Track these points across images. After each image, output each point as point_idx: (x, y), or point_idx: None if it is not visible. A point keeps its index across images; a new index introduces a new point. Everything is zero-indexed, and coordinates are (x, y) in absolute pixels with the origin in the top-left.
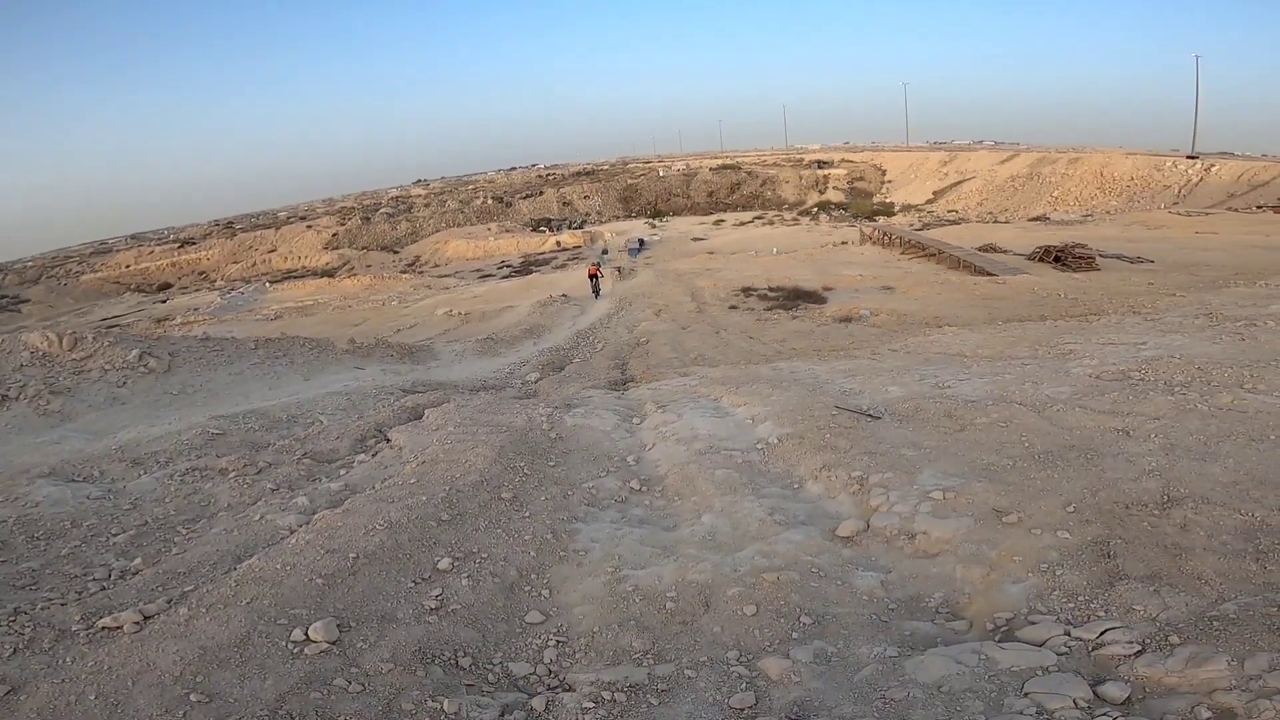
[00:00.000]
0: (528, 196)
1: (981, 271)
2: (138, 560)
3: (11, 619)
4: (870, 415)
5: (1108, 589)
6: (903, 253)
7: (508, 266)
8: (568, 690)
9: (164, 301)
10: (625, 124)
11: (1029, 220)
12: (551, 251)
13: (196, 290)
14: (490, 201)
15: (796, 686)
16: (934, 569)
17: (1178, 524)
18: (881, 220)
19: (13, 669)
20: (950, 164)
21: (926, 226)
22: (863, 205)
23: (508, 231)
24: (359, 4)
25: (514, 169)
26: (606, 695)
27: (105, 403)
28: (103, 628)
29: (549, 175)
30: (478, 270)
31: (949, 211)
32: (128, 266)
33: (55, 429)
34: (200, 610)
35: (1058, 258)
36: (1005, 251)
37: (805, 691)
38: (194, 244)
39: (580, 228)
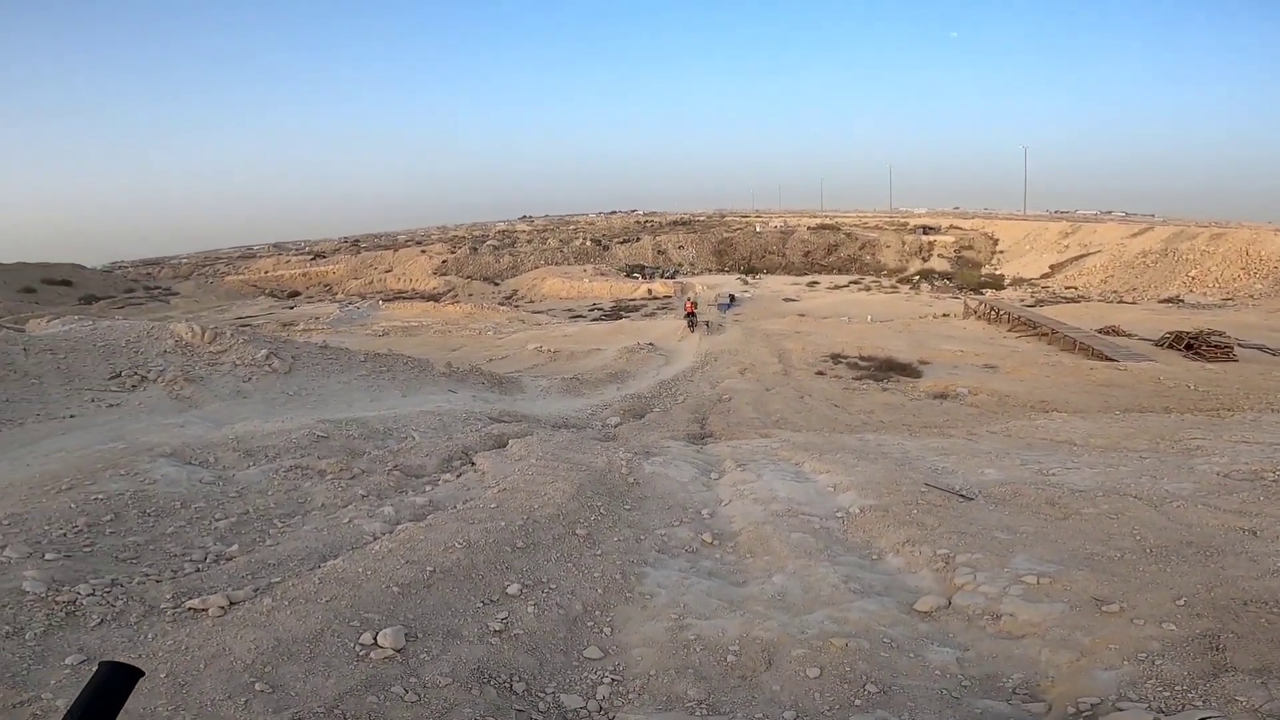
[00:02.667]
0: (624, 241)
1: (1100, 355)
2: (234, 547)
3: (107, 589)
4: (962, 495)
5: (1210, 680)
6: (1010, 329)
7: (599, 309)
8: None
9: (291, 308)
10: (725, 175)
11: (1160, 302)
12: (642, 298)
13: (320, 300)
14: (588, 243)
15: None
16: (1017, 650)
17: None
18: (989, 294)
19: (94, 640)
20: (1072, 235)
21: (1040, 303)
22: (969, 276)
23: (602, 275)
24: (483, 47)
25: (614, 212)
26: None
27: (230, 395)
28: (189, 609)
29: (646, 222)
30: (570, 310)
31: (1067, 288)
32: (266, 273)
33: (183, 413)
34: (283, 602)
35: (1190, 345)
36: (1129, 335)
37: None
38: (324, 257)
39: (672, 277)
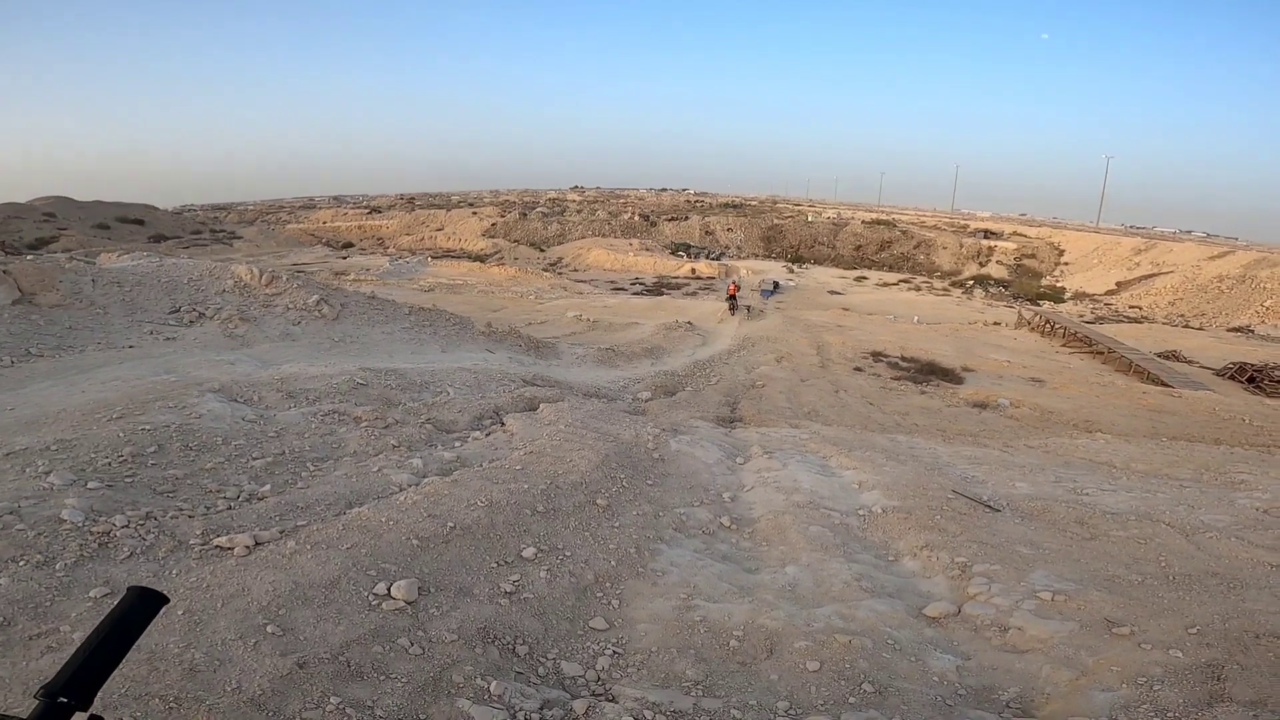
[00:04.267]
0: (673, 219)
1: (1155, 380)
2: (267, 487)
3: (142, 521)
4: (989, 506)
5: (1204, 709)
6: (1064, 345)
7: (640, 284)
8: (611, 701)
9: (345, 258)
10: (781, 162)
11: (1228, 330)
12: (685, 277)
13: (372, 253)
14: (636, 218)
15: None
16: (1018, 664)
17: None
18: (1047, 305)
19: (121, 572)
20: (1145, 253)
21: (1100, 320)
22: (1028, 285)
23: (647, 250)
24: (556, 22)
25: (665, 190)
26: (648, 715)
27: (280, 337)
28: (216, 546)
29: (697, 202)
30: (612, 282)
31: (1131, 307)
32: (324, 223)
33: (234, 351)
34: (305, 546)
35: (1252, 378)
36: (1191, 362)
37: None
38: (379, 212)
39: (718, 259)
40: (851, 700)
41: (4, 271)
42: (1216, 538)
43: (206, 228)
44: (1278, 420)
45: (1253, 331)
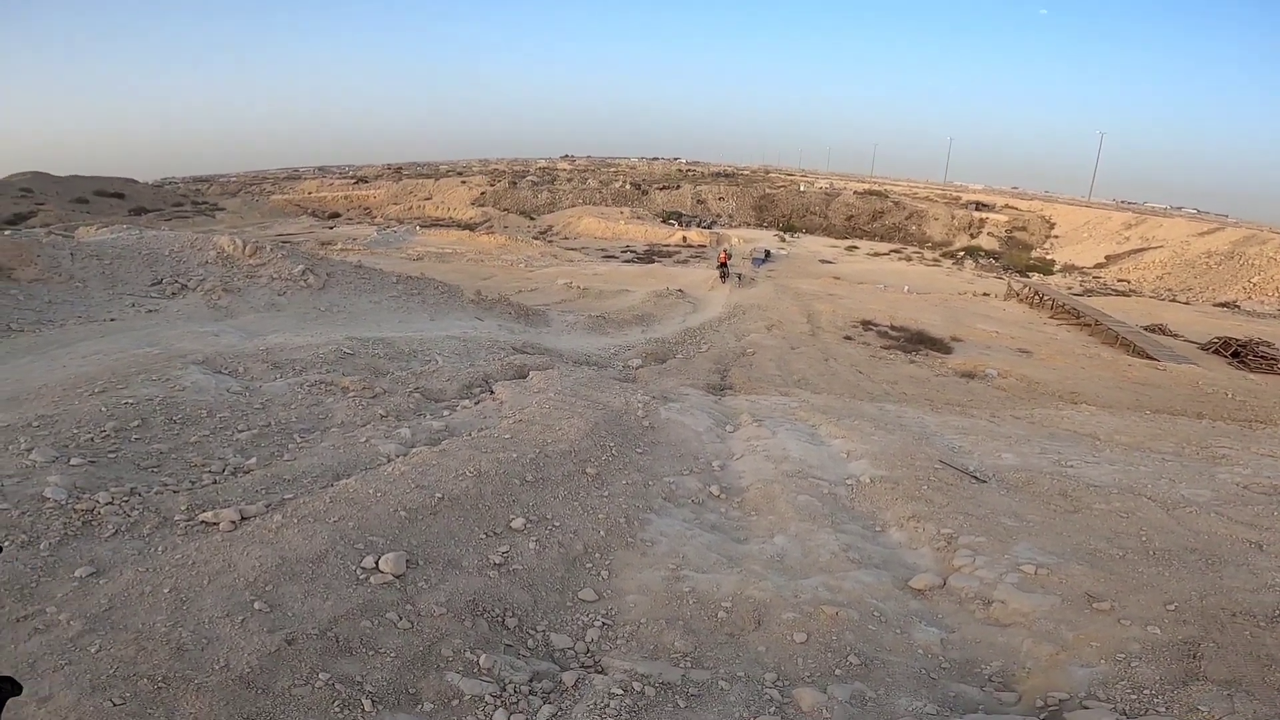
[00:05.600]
0: (664, 188)
1: (1141, 353)
2: (253, 460)
3: (126, 498)
4: (976, 477)
5: (1179, 687)
6: (1052, 316)
7: (631, 252)
8: (600, 673)
9: (331, 228)
10: (774, 132)
11: (1214, 305)
12: (676, 245)
13: (359, 223)
14: (628, 186)
15: None
16: (1001, 638)
17: None
18: (1036, 277)
19: (105, 551)
20: (1135, 228)
21: (1088, 293)
22: (1018, 257)
23: (638, 218)
24: None
25: (656, 159)
26: (637, 686)
27: (265, 307)
28: (201, 522)
29: (689, 170)
30: (603, 250)
31: (1120, 280)
32: (309, 194)
33: (218, 322)
34: (292, 520)
35: (1236, 353)
36: (1176, 336)
37: None
38: (366, 182)
39: (709, 227)
40: (838, 672)
41: None
42: (1196, 513)
43: (188, 200)
44: (1260, 395)
45: (1239, 307)
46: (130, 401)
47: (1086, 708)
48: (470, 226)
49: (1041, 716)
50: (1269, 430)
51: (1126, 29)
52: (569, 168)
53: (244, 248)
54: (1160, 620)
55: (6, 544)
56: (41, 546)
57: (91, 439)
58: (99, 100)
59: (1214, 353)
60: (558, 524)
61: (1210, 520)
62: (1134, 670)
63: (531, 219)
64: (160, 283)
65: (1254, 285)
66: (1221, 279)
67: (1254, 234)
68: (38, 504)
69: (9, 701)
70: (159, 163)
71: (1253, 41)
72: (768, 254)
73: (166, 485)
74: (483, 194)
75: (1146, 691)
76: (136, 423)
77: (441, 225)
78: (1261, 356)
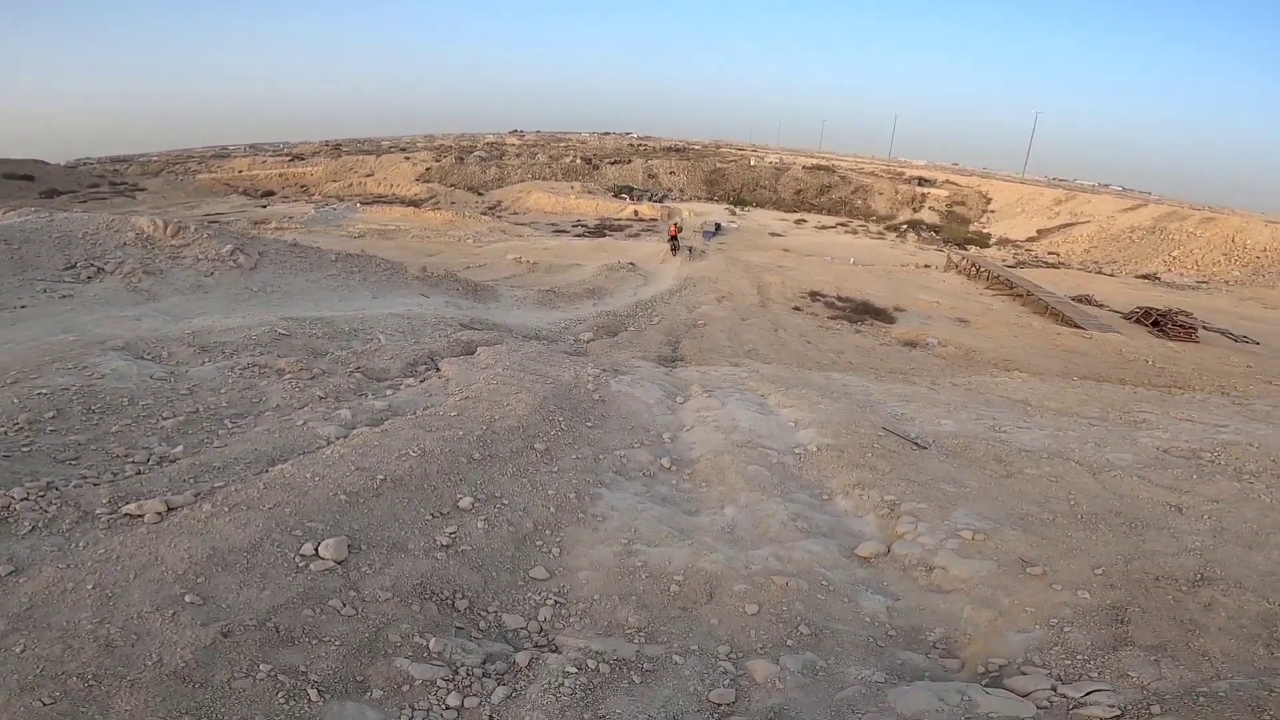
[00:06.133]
0: (615, 163)
1: (1069, 322)
2: (179, 448)
3: (42, 493)
4: (917, 444)
5: (1110, 653)
6: (988, 287)
7: (582, 226)
8: (554, 651)
9: (264, 207)
10: (724, 108)
11: (1137, 277)
12: (628, 219)
13: (295, 201)
14: (579, 161)
15: (778, 693)
16: (943, 605)
17: (1202, 603)
18: (973, 250)
19: (23, 548)
20: (1065, 204)
21: (1021, 264)
22: (957, 231)
23: (589, 193)
24: None
25: (608, 134)
26: (591, 664)
27: (191, 289)
28: (125, 514)
29: (640, 145)
30: (553, 225)
31: (1050, 253)
32: (240, 172)
33: (139, 306)
34: (223, 509)
35: (1156, 322)
36: (1101, 306)
37: (785, 700)
38: (303, 159)
39: (660, 201)
40: (789, 643)
41: None
42: (1120, 476)
43: (105, 180)
44: (1178, 362)
45: (1159, 279)
46: (44, 392)
47: (1024, 674)
48: (415, 203)
49: (983, 682)
50: (1186, 395)
51: (1062, 12)
52: (518, 143)
53: (165, 228)
54: (1089, 585)
55: None
56: None
57: (4, 432)
58: (2, 78)
59: (1136, 322)
60: (507, 502)
61: (1133, 483)
62: (1066, 636)
63: (480, 195)
64: (74, 266)
65: (1174, 258)
66: (1144, 252)
67: (1175, 210)
68: None
69: None
70: (72, 143)
71: (1181, 28)
72: (718, 227)
73: (86, 478)
74: (428, 170)
75: (1079, 657)
76: (52, 414)
77: (385, 202)
78: (1179, 325)
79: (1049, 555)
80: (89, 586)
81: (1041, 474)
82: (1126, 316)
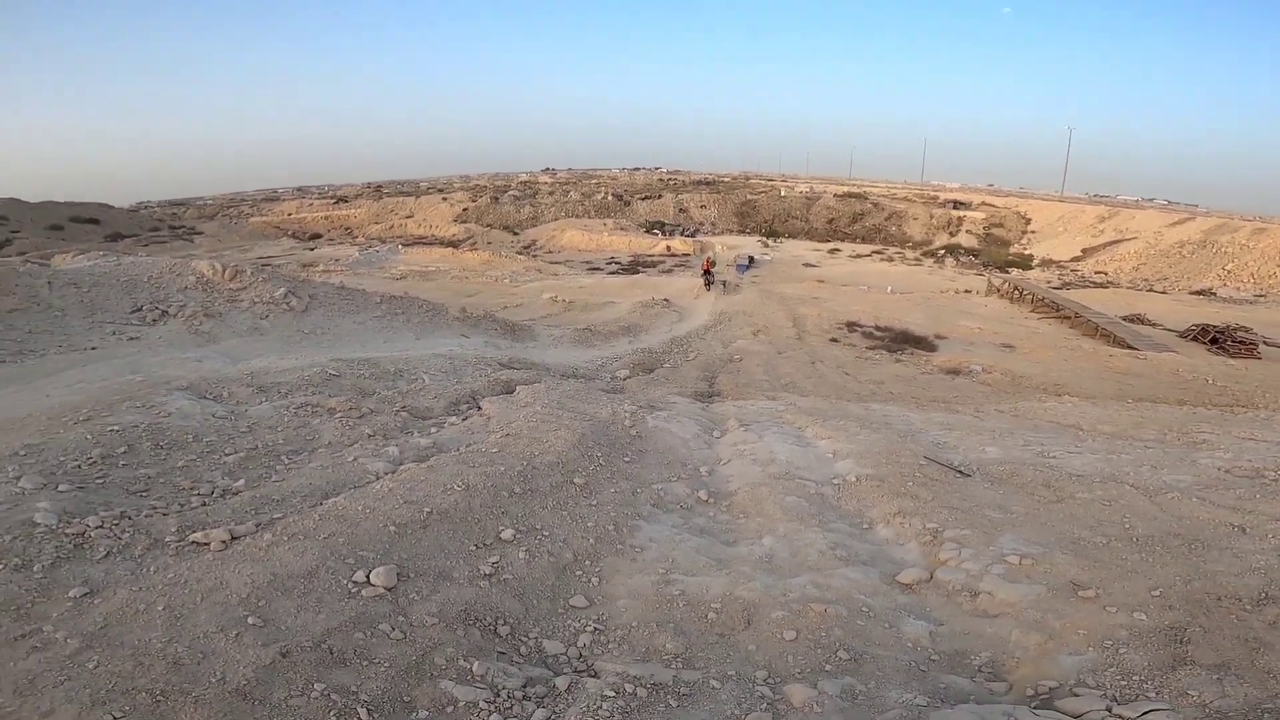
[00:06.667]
0: (646, 198)
1: (1121, 343)
2: (241, 481)
3: (116, 521)
4: (960, 472)
5: (1168, 672)
6: (1033, 310)
7: (616, 263)
8: (593, 676)
9: (312, 249)
10: (753, 139)
11: (1191, 293)
12: (660, 255)
13: (341, 243)
14: (610, 198)
15: (816, 717)
16: (989, 629)
17: (1268, 621)
18: (1015, 273)
19: (98, 572)
20: (1109, 220)
21: (1067, 285)
22: (997, 254)
23: (621, 229)
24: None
25: (638, 169)
26: (629, 688)
27: (248, 331)
28: (192, 542)
29: (670, 180)
30: (587, 262)
31: (1097, 272)
32: (289, 215)
33: (201, 348)
34: (282, 538)
35: (1215, 339)
36: (1155, 325)
37: None
38: (346, 202)
39: (692, 236)
40: (828, 668)
41: None
42: (1179, 498)
43: (165, 224)
44: (1240, 380)
45: (1215, 294)
46: (116, 428)
47: (1077, 695)
48: (453, 243)
49: (1033, 705)
50: (1249, 414)
51: (1088, 23)
52: (550, 181)
53: (224, 272)
54: (1146, 606)
55: (1, 567)
56: (35, 569)
57: (78, 466)
58: (71, 124)
59: (1193, 340)
60: (547, 534)
61: (1192, 505)
62: (1122, 657)
63: (515, 234)
64: (140, 310)
65: (1228, 272)
66: (1196, 267)
67: (1225, 222)
68: (28, 529)
69: None
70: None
71: (1216, 33)
72: (751, 260)
73: (155, 508)
74: (464, 210)
75: (1135, 677)
76: (123, 449)
77: (424, 243)
78: (1240, 341)
79: (1102, 578)
80: (159, 608)
81: (1094, 498)
82: (1182, 335)
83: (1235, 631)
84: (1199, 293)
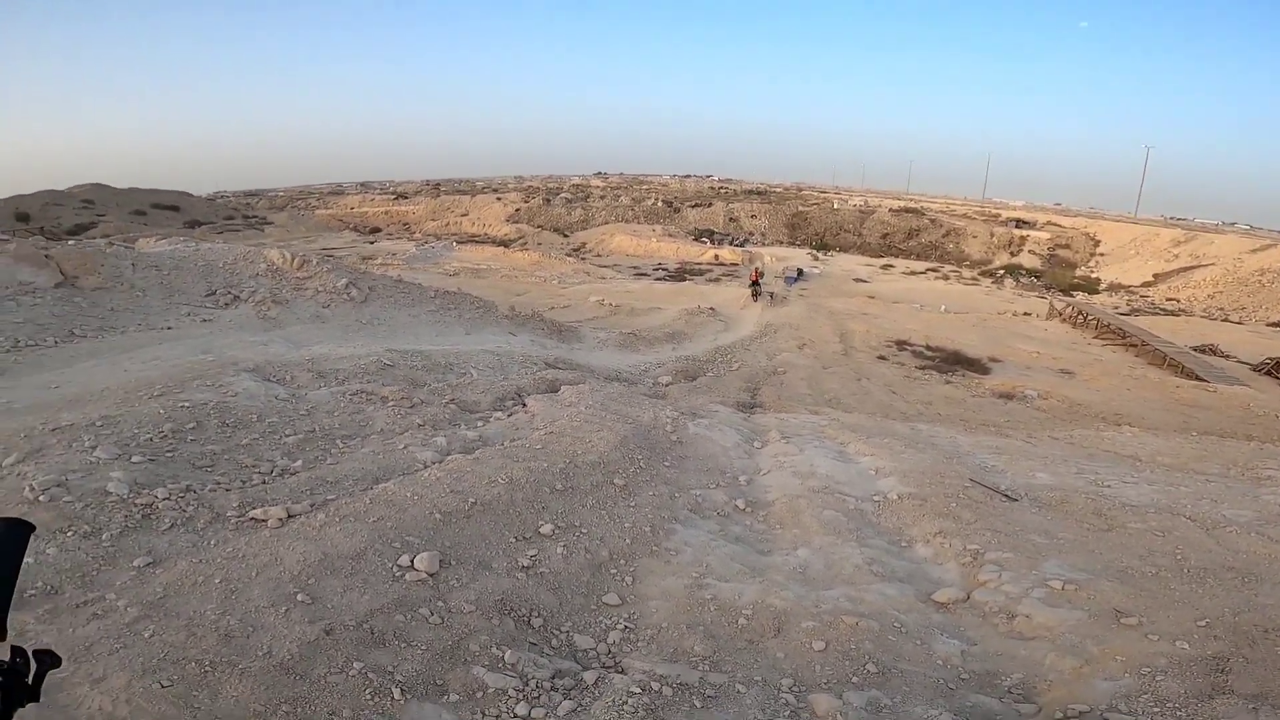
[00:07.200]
0: (696, 206)
1: (1189, 374)
2: (299, 462)
3: (182, 494)
4: (1007, 496)
5: (1204, 701)
6: (1096, 336)
7: (663, 270)
8: (620, 672)
9: (372, 243)
10: (807, 150)
11: (1269, 325)
12: (708, 263)
13: (399, 238)
14: (660, 204)
15: None
16: (1023, 651)
17: None
18: (1080, 296)
19: (162, 543)
20: (1185, 244)
21: (1135, 312)
22: (1061, 276)
23: (670, 236)
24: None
25: (689, 176)
26: (655, 686)
27: (311, 319)
28: (251, 518)
29: (721, 188)
30: (635, 268)
31: (1169, 299)
32: (352, 209)
33: (267, 333)
34: (334, 519)
35: None
36: (1228, 356)
37: None
38: (405, 198)
39: (741, 245)
40: (855, 680)
41: (47, 256)
42: (1237, 532)
43: (239, 214)
44: None
45: None
46: (186, 405)
47: (1107, 719)
48: (505, 243)
49: None
50: None
51: (1170, 40)
52: (602, 185)
53: (292, 261)
54: (1190, 636)
55: (70, 534)
56: (103, 537)
57: (150, 439)
58: (154, 114)
59: (1266, 374)
60: (585, 531)
61: (1250, 540)
62: (1159, 684)
63: (565, 236)
64: (214, 293)
65: None
66: (1275, 297)
67: None
68: (101, 498)
69: (49, 674)
70: (211, 176)
71: None
72: (800, 272)
73: (219, 484)
74: (517, 211)
75: (1170, 705)
76: (192, 425)
77: (477, 241)
78: None
79: (1147, 607)
80: (216, 581)
81: (1147, 528)
82: (1256, 368)
83: (1278, 662)
84: (1277, 324)
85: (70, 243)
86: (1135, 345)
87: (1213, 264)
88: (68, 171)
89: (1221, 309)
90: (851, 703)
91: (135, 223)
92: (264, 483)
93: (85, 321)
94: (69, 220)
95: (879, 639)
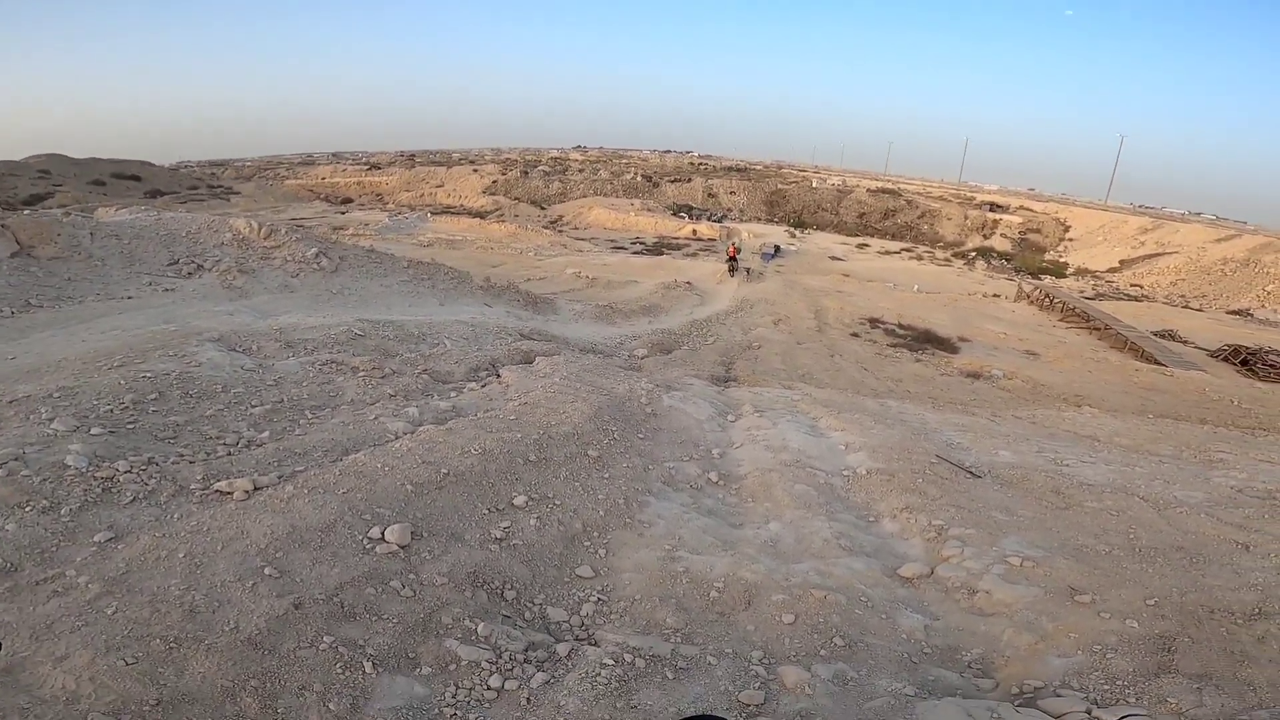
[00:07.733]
0: (675, 181)
1: (1149, 358)
2: (265, 433)
3: (144, 466)
4: (971, 473)
5: (1151, 679)
6: (1061, 319)
7: (641, 244)
8: (593, 644)
9: (343, 213)
10: (787, 128)
11: (1227, 313)
12: (686, 238)
13: (372, 209)
14: (639, 178)
15: (806, 699)
16: (983, 626)
17: (1256, 635)
18: (1048, 280)
19: (124, 517)
20: (1152, 233)
21: (1100, 296)
22: (1030, 260)
23: (649, 210)
24: None
25: (669, 151)
26: (627, 658)
27: (278, 289)
28: (216, 491)
29: (700, 164)
30: (612, 241)
31: (1132, 285)
32: (323, 179)
33: (233, 302)
34: (303, 491)
35: (1245, 360)
36: (1186, 342)
37: (813, 705)
38: (379, 169)
39: (719, 221)
40: (823, 652)
41: (2, 225)
42: (1187, 513)
43: (203, 183)
44: (1266, 403)
45: (1252, 315)
46: (148, 375)
47: (1060, 696)
48: (481, 215)
49: (1016, 703)
50: (1271, 437)
51: (1148, 30)
52: (581, 158)
53: (259, 230)
54: (1139, 614)
55: (29, 509)
56: (62, 512)
57: (111, 410)
58: (115, 83)
59: (1223, 360)
60: (558, 503)
61: (1200, 520)
62: (1109, 661)
63: (542, 209)
64: (177, 263)
65: (1268, 293)
66: (1236, 286)
67: (1272, 241)
68: (59, 471)
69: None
70: (174, 146)
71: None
72: (777, 249)
73: (183, 455)
74: (494, 182)
75: (1119, 682)
76: (154, 396)
77: (453, 213)
78: (1271, 365)
79: (1100, 585)
80: (180, 555)
81: (1102, 507)
82: (1213, 354)
83: (1222, 644)
84: (1236, 312)
85: (25, 213)
86: (1098, 329)
87: (1176, 252)
88: (23, 142)
89: (1183, 296)
90: (819, 674)
91: (94, 193)
92: (229, 454)
93: (42, 291)
94: (25, 190)
95: (846, 613)
